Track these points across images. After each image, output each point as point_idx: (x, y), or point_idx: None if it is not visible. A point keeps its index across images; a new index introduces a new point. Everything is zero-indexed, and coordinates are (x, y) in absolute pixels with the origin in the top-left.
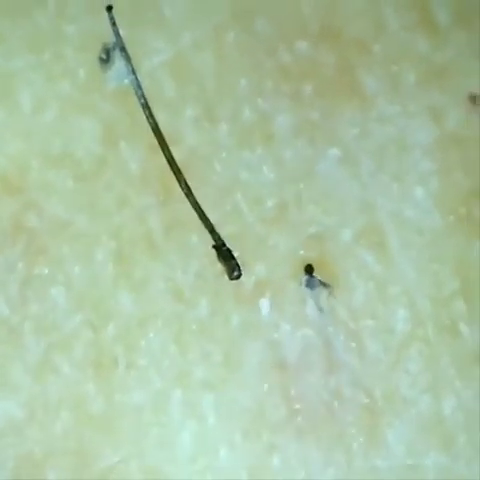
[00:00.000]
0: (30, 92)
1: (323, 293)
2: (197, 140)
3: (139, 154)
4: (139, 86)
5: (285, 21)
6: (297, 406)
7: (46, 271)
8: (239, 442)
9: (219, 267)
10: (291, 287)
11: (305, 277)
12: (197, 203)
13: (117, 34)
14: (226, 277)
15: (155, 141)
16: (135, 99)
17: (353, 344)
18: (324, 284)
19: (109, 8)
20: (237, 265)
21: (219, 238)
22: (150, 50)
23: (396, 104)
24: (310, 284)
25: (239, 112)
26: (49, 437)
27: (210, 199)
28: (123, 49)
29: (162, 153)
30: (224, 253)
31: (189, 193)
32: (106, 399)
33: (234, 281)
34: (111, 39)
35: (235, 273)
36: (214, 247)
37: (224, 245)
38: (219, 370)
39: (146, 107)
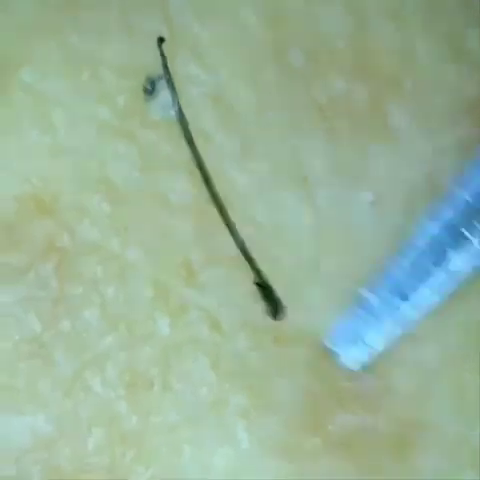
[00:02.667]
0: (65, 113)
1: None
2: (235, 176)
3: (179, 184)
4: (184, 120)
5: (320, 56)
6: (332, 438)
7: (79, 290)
8: (271, 467)
9: (258, 303)
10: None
11: None
12: (241, 240)
13: (165, 66)
14: (264, 314)
15: (195, 173)
16: (175, 129)
17: (383, 378)
18: None
19: (161, 40)
20: (280, 306)
21: (264, 278)
22: (187, 80)
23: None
24: None
25: (276, 150)
26: (79, 453)
27: (247, 239)
28: (170, 82)
29: (203, 186)
30: (267, 292)
31: (234, 230)
32: (139, 418)
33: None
34: (154, 69)
35: (278, 315)
36: (257, 284)
37: (268, 285)
38: (254, 398)
39: (190, 141)
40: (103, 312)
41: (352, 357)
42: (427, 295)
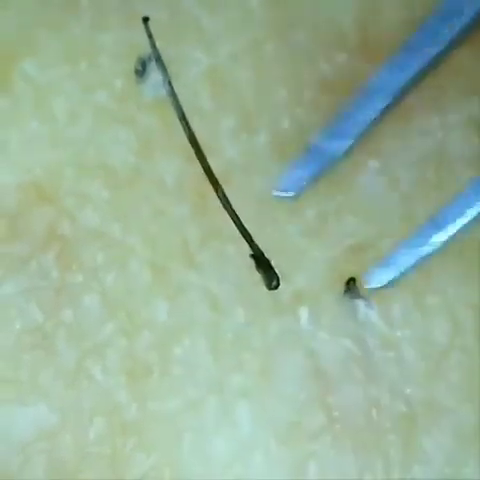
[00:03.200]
0: (65, 102)
1: (362, 304)
2: (234, 151)
3: (175, 165)
4: (175, 97)
5: (324, 32)
6: (335, 414)
7: (80, 278)
8: (274, 449)
9: (256, 277)
10: (329, 298)
11: (344, 288)
12: (235, 213)
13: (153, 45)
14: (263, 287)
15: (191, 152)
16: (171, 110)
17: (391, 353)
18: (362, 296)
19: (145, 19)
20: (276, 275)
21: (258, 248)
22: (188, 61)
23: (436, 115)
24: (349, 295)
25: (277, 124)
26: (81, 443)
27: (247, 210)
28: (159, 60)
29: (198, 164)
30: (263, 263)
31: (227, 203)
32: (139, 406)
33: (272, 291)
34: (147, 50)
35: (274, 283)
36: (252, 256)
37: (263, 255)
38: (255, 378)
39: (183, 118)
40: (103, 299)
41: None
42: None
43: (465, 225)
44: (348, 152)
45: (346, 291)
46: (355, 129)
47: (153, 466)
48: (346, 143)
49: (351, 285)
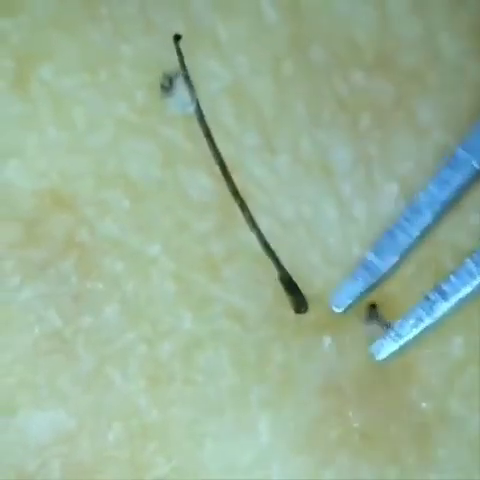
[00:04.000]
0: (84, 110)
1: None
2: (256, 170)
3: (199, 179)
4: (203, 117)
5: (340, 50)
6: (354, 425)
7: (100, 286)
8: (293, 459)
9: (282, 295)
10: (352, 324)
11: (365, 313)
12: (263, 236)
13: (182, 64)
14: (288, 305)
15: (216, 167)
16: (195, 125)
17: (407, 369)
18: (384, 322)
19: (177, 37)
20: (304, 300)
21: (286, 272)
22: (208, 76)
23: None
24: (371, 320)
25: (297, 143)
26: (99, 447)
27: (269, 232)
28: (188, 79)
29: (223, 181)
30: (291, 287)
31: (254, 225)
32: (160, 411)
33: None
34: (172, 65)
35: (302, 308)
36: (281, 280)
37: (291, 279)
38: (276, 390)
39: (209, 138)
40: (124, 307)
41: (380, 346)
42: (467, 294)
43: (467, 297)
44: (395, 268)
45: (367, 316)
46: (402, 245)
47: (172, 471)
48: (393, 260)
49: (372, 311)
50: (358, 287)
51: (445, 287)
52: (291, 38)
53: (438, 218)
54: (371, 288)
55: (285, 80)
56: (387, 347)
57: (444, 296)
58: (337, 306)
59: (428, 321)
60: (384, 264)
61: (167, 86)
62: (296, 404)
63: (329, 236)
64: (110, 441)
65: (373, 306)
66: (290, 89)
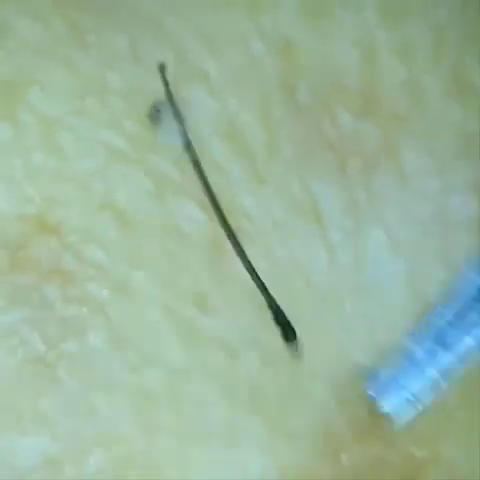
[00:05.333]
0: (72, 137)
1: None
2: (247, 204)
3: (188, 209)
4: (192, 148)
5: (327, 91)
6: (345, 466)
7: (84, 312)
8: None
9: (271, 327)
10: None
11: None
12: (251, 265)
13: (169, 93)
14: (278, 335)
15: (205, 199)
16: (185, 155)
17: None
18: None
19: (162, 67)
20: (292, 330)
21: (274, 302)
22: (196, 108)
23: (437, 179)
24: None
25: (287, 185)
26: (83, 473)
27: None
28: (175, 108)
29: (211, 209)
30: (280, 317)
31: (243, 256)
32: (145, 439)
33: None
34: (158, 94)
35: (290, 338)
36: (270, 308)
37: (279, 309)
38: (266, 424)
39: (197, 166)
40: (109, 334)
41: (397, 410)
42: (472, 346)
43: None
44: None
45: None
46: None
47: None
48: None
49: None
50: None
51: (449, 338)
52: (280, 75)
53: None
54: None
55: (275, 118)
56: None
57: (447, 347)
58: (373, 389)
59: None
60: (420, 350)
61: (155, 116)
62: (287, 441)
63: (320, 279)
64: (92, 467)
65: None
66: (280, 128)
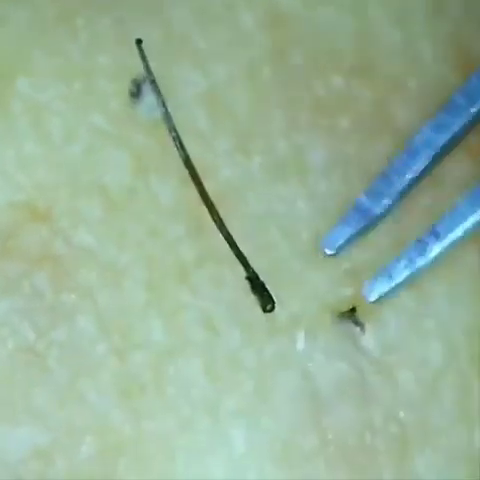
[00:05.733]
0: (60, 122)
1: (356, 328)
2: (230, 173)
3: (170, 186)
4: (170, 119)
5: (320, 56)
6: (329, 436)
7: (73, 298)
8: (268, 470)
9: (252, 298)
10: (325, 322)
11: (339, 313)
12: (230, 236)
13: (147, 67)
14: (259, 309)
15: (186, 173)
16: (167, 131)
17: (386, 376)
18: (357, 321)
19: (139, 41)
20: (271, 298)
21: (253, 271)
22: (183, 82)
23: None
24: (344, 320)
25: (273, 146)
26: (73, 462)
27: (243, 232)
28: (153, 82)
29: (193, 185)
30: (258, 286)
31: (222, 226)
32: (133, 425)
33: (268, 314)
34: (142, 72)
35: (268, 306)
36: (248, 279)
37: (258, 278)
38: (250, 399)
39: (177, 140)
40: (97, 319)
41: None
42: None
43: (459, 237)
44: (389, 211)
45: (341, 315)
46: (396, 188)
47: None
48: (387, 202)
49: (349, 312)
50: (350, 229)
51: (438, 228)
52: (269, 44)
53: (433, 162)
54: (362, 231)
55: (262, 85)
56: (379, 288)
57: (437, 237)
58: (328, 248)
59: (420, 262)
60: (377, 207)
61: (135, 92)
62: (270, 413)
63: (301, 231)
64: (83, 456)
65: (353, 309)
66: (267, 94)
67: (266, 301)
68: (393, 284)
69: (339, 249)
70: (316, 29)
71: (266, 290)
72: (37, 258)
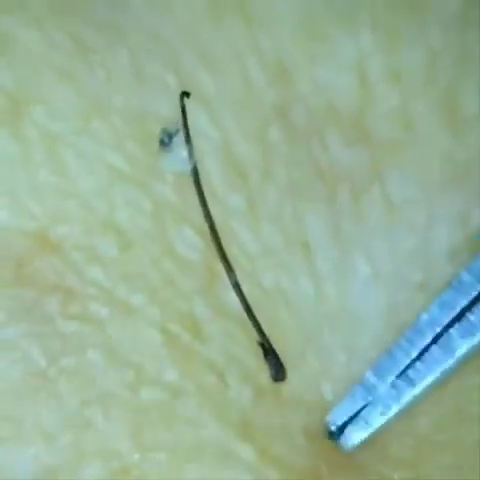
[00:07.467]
0: (76, 155)
1: None
2: (240, 233)
3: (188, 236)
4: (198, 176)
5: (321, 117)
6: None
7: (85, 328)
8: None
9: (262, 363)
10: None
11: None
12: (247, 302)
13: (185, 122)
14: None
15: (203, 227)
16: (184, 181)
17: None
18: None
19: (184, 94)
20: (282, 368)
21: (267, 340)
22: (197, 133)
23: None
24: None
25: (281, 211)
26: None
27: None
28: (188, 138)
29: (210, 241)
30: (270, 354)
31: (239, 292)
32: (139, 454)
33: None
34: (165, 117)
35: (279, 376)
36: (260, 345)
37: (271, 346)
38: (258, 451)
39: (203, 199)
40: (109, 351)
41: (352, 436)
42: (434, 381)
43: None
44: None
45: None
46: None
47: None
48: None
49: None
50: (356, 405)
51: (411, 374)
52: (275, 99)
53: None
54: (368, 406)
55: (270, 144)
56: (356, 435)
57: (411, 383)
58: (333, 423)
59: (395, 408)
60: (382, 384)
61: (166, 142)
62: (277, 469)
63: (306, 311)
64: (89, 478)
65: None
66: (275, 154)
67: (277, 371)
68: (371, 430)
69: (342, 426)
70: (317, 86)
71: (278, 360)
72: (49, 287)
